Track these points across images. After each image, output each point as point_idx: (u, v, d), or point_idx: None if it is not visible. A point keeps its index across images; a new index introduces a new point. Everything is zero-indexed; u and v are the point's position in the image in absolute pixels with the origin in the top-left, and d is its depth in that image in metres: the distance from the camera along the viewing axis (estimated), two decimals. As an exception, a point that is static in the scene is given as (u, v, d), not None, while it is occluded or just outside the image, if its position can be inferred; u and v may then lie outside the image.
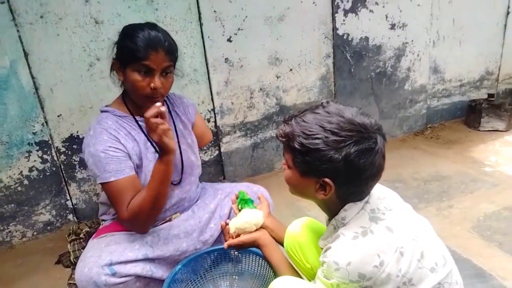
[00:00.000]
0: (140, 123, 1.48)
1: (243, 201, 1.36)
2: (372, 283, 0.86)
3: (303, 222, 1.21)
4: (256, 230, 1.27)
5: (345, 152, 0.85)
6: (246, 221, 1.25)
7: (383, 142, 0.90)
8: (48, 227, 2.23)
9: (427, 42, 3.06)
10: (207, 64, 2.34)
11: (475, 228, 1.90)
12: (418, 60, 3.07)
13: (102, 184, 1.36)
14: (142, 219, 1.38)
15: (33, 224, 2.19)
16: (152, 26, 1.37)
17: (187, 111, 1.68)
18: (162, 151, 1.32)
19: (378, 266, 0.85)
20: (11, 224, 2.14)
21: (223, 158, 2.58)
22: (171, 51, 1.36)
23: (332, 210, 0.97)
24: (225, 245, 1.28)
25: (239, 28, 2.37)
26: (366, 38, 2.79)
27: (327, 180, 0.89)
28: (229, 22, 2.32)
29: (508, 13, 3.38)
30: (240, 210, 1.34)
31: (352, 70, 2.81)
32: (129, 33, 1.34)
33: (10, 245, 2.17)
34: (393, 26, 2.87)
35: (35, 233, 2.21)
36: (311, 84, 2.71)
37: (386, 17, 2.82)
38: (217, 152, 2.57)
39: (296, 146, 0.90)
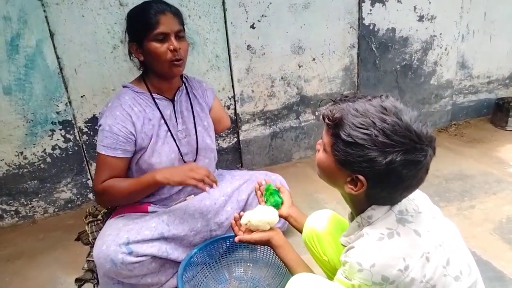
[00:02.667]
0: (156, 100, 1.53)
1: (269, 192, 1.32)
2: (395, 287, 0.82)
3: (323, 214, 1.19)
4: (270, 229, 1.21)
5: (391, 158, 0.79)
6: (260, 219, 1.19)
7: (432, 156, 0.83)
8: (69, 205, 2.29)
9: (455, 36, 2.96)
10: (229, 51, 2.33)
11: (497, 230, 1.85)
12: (446, 54, 2.97)
13: (96, 151, 1.48)
14: (108, 200, 1.54)
15: (54, 201, 2.25)
16: (155, 0, 1.45)
17: (205, 95, 1.70)
18: (167, 180, 1.41)
19: (403, 270, 0.81)
20: (34, 200, 2.21)
21: (241, 146, 2.57)
22: (178, 13, 1.45)
23: (357, 206, 0.93)
24: (236, 239, 1.24)
25: (262, 15, 2.33)
26: (393, 30, 2.72)
27: (361, 177, 0.84)
28: (253, 8, 2.29)
29: (544, 8, 3.22)
30: (265, 202, 1.32)
31: (377, 62, 2.75)
32: (136, 12, 1.44)
33: (32, 220, 2.24)
34: (421, 18, 2.78)
35: (56, 210, 2.27)
36: (333, 75, 2.66)
37: (415, 8, 2.73)
38: (235, 139, 2.56)
39: (342, 134, 0.84)
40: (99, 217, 1.83)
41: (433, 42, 2.89)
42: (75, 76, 2.07)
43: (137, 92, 1.52)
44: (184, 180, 1.40)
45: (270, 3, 2.31)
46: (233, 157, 2.60)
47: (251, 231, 1.22)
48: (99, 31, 2.03)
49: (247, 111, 2.52)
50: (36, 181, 2.17)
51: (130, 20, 1.45)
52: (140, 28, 1.40)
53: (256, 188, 1.37)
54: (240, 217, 1.27)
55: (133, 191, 1.47)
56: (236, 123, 2.51)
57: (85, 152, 2.22)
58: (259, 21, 2.33)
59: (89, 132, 2.19)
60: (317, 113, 2.73)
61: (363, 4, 2.55)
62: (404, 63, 2.85)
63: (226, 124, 1.87)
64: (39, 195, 2.21)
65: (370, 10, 2.59)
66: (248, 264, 1.66)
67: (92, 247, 1.85)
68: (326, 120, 0.88)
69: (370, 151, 0.81)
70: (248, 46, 2.36)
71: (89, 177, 2.28)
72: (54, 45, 1.99)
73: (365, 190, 0.86)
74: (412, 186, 0.86)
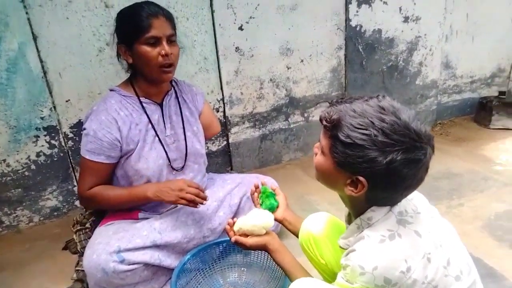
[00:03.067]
0: (144, 104, 1.49)
1: (265, 195, 1.31)
2: None
3: (319, 217, 1.18)
4: (266, 233, 1.18)
5: (391, 158, 0.79)
6: (255, 224, 1.16)
7: (431, 154, 0.84)
8: (55, 213, 2.22)
9: (440, 37, 3.00)
10: (217, 53, 2.30)
11: (486, 227, 1.88)
12: (431, 54, 3.02)
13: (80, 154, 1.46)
14: (93, 206, 1.58)
15: (40, 209, 2.18)
16: (146, 2, 1.42)
17: (195, 99, 1.67)
18: (158, 196, 1.44)
19: (405, 272, 0.81)
20: (18, 209, 2.13)
21: (231, 148, 2.55)
22: (170, 17, 1.42)
23: (357, 207, 0.92)
24: (232, 239, 1.21)
25: (251, 16, 2.32)
26: (379, 31, 2.74)
27: (361, 179, 0.83)
28: (241, 9, 2.28)
29: (523, 9, 3.31)
30: (261, 204, 1.30)
31: (364, 63, 2.77)
32: (127, 13, 1.40)
33: (17, 229, 2.16)
34: (406, 19, 2.81)
35: (41, 218, 2.20)
36: (321, 76, 2.67)
37: (400, 9, 2.76)
38: (225, 142, 2.54)
39: (340, 136, 0.83)
40: (87, 225, 1.77)
41: (418, 43, 2.93)
42: (59, 80, 2.01)
43: (124, 95, 1.48)
44: (175, 201, 1.42)
45: (258, 4, 2.30)
46: (222, 160, 2.58)
47: (246, 235, 1.20)
48: (84, 33, 1.98)
49: (236, 113, 2.50)
50: (20, 189, 2.10)
51: (120, 21, 1.41)
52: (131, 30, 1.37)
53: (252, 190, 1.35)
54: (234, 223, 1.24)
55: (120, 202, 1.48)
56: (225, 126, 2.49)
57: (70, 158, 2.16)
58: (247, 22, 2.32)
59: (74, 137, 2.13)
60: (305, 115, 2.73)
61: (349, 6, 2.56)
62: (390, 63, 2.88)
63: (216, 129, 1.85)
64: (24, 204, 2.14)
65: (357, 11, 2.60)
66: (242, 268, 1.64)
67: (80, 256, 1.79)
68: (324, 122, 0.87)
69: (370, 151, 0.80)
70: (236, 48, 2.34)
71: (75, 183, 2.21)
72: (37, 48, 1.93)
73: (365, 192, 0.85)
74: (412, 186, 0.86)
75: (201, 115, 1.70)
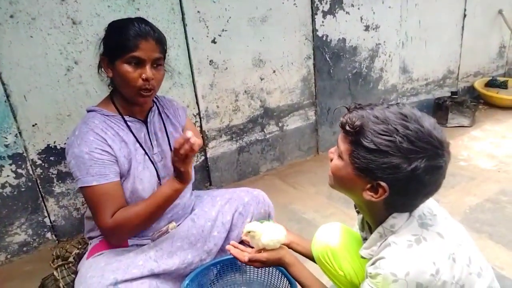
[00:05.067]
0: (129, 123, 1.41)
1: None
2: None
3: (331, 228, 1.17)
4: (279, 247, 1.18)
5: (415, 165, 0.80)
6: (271, 239, 1.15)
7: (449, 161, 0.86)
8: (24, 248, 2.03)
9: (397, 43, 3.19)
10: (191, 67, 2.26)
11: (464, 221, 2.00)
12: (390, 60, 3.19)
13: (82, 188, 1.29)
14: (126, 232, 1.35)
15: (6, 247, 1.98)
16: (140, 19, 1.34)
17: (177, 114, 1.62)
18: (181, 179, 1.29)
19: (434, 274, 0.83)
20: (-20, 248, 1.93)
21: (209, 163, 2.50)
22: (161, 41, 1.34)
23: (375, 214, 0.93)
24: (245, 258, 1.18)
25: (223, 29, 2.30)
26: (343, 40, 2.84)
27: (383, 184, 0.84)
28: (213, 23, 2.25)
29: (465, 15, 3.61)
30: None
31: (331, 71, 2.85)
32: (117, 27, 1.32)
33: (-20, 271, 1.95)
34: (367, 28, 2.95)
35: (9, 256, 2.00)
36: (293, 86, 2.71)
37: (361, 18, 2.89)
38: (203, 157, 2.48)
39: (364, 142, 0.83)
40: (70, 259, 1.64)
41: (379, 50, 3.08)
42: (24, 103, 1.86)
43: (106, 115, 1.38)
44: (188, 161, 1.25)
45: (230, 17, 2.30)
46: (201, 176, 2.52)
47: (259, 251, 1.18)
48: (50, 52, 1.85)
49: (213, 127, 2.45)
50: (-18, 226, 1.90)
51: (108, 33, 1.32)
52: (116, 46, 1.28)
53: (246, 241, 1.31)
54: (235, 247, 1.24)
55: (154, 212, 1.33)
56: (203, 141, 2.43)
57: (39, 187, 1.99)
58: (219, 35, 2.30)
59: (43, 164, 1.97)
60: (280, 124, 2.75)
61: (315, 17, 2.64)
62: (354, 71, 2.99)
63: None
64: (-13, 242, 1.93)
65: (322, 22, 2.68)
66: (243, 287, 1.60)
67: (63, 293, 1.65)
68: (347, 128, 0.87)
69: (394, 157, 0.81)
70: (210, 61, 2.31)
71: (46, 214, 2.04)
72: (-2, 71, 1.77)
73: (385, 197, 0.86)
74: (431, 192, 0.88)
75: (184, 130, 1.64)
